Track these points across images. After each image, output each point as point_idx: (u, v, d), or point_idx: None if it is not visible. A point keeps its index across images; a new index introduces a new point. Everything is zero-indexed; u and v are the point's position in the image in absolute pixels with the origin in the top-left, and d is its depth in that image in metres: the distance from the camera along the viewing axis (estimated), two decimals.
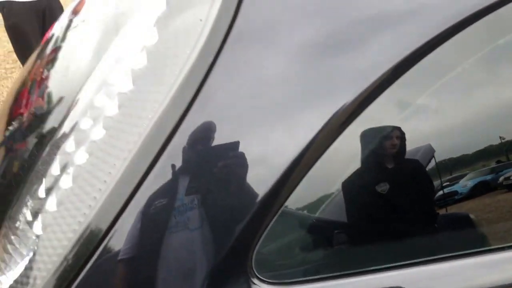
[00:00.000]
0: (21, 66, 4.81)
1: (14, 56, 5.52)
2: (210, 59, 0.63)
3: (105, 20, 0.87)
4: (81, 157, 0.64)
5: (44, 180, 0.66)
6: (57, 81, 0.92)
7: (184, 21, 0.67)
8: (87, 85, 0.71)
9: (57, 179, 0.64)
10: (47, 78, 1.07)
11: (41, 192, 0.66)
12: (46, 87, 1.04)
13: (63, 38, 1.13)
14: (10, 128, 1.10)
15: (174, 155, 0.61)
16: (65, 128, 0.70)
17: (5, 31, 6.51)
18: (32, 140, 0.82)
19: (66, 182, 0.63)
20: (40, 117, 0.92)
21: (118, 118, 0.64)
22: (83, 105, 0.70)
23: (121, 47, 0.70)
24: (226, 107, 0.64)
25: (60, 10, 3.44)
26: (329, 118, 0.60)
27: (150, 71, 0.65)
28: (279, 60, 0.65)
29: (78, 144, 0.65)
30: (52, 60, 1.12)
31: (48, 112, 0.85)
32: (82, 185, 0.62)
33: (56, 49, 1.09)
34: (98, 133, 0.64)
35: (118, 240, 0.61)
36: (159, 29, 0.67)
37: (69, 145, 0.66)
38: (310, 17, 0.68)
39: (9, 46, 5.95)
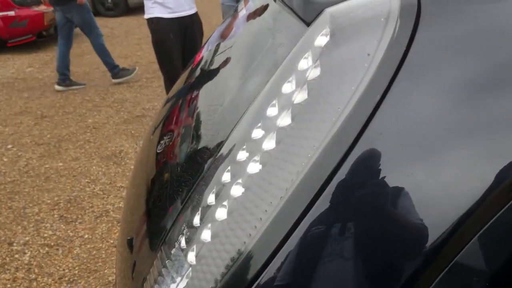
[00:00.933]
0: (160, 76, 5.24)
1: (154, 66, 6.04)
2: (378, 96, 0.59)
3: (260, 49, 0.88)
4: (237, 190, 0.64)
5: (200, 209, 0.68)
6: (208, 107, 0.94)
7: (350, 55, 0.63)
8: (245, 116, 0.71)
9: (212, 210, 0.65)
10: (196, 98, 1.12)
11: (196, 221, 0.67)
12: (196, 108, 1.09)
13: (212, 62, 1.18)
14: (162, 142, 1.17)
15: (335, 194, 0.58)
16: (221, 158, 0.70)
17: (148, 43, 7.11)
18: (187, 165, 0.85)
19: (221, 214, 0.64)
20: (195, 140, 0.95)
21: (276, 154, 0.62)
22: (239, 137, 0.70)
23: (280, 79, 0.69)
24: (391, 148, 0.59)
25: (200, 27, 3.67)
26: None
27: (310, 107, 0.62)
28: (449, 99, 0.59)
29: (234, 176, 0.65)
30: (202, 82, 1.18)
31: (202, 138, 0.87)
32: (237, 220, 0.62)
33: (207, 73, 1.13)
34: (254, 167, 0.63)
35: (270, 280, 0.59)
36: (323, 62, 0.64)
37: (225, 176, 0.67)
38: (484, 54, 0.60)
39: (150, 57, 6.53)
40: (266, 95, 0.69)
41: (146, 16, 3.45)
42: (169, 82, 3.62)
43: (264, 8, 1.07)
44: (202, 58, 1.27)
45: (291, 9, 0.79)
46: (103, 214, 2.93)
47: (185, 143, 0.95)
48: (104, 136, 4.05)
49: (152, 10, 3.40)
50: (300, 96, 0.65)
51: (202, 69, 1.18)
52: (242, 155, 0.67)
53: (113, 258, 2.55)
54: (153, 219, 0.96)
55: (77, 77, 5.73)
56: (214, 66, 1.12)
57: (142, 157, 1.32)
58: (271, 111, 0.67)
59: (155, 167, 1.15)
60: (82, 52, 6.96)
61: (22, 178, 3.40)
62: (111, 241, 2.69)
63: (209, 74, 1.08)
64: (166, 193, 0.86)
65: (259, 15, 1.06)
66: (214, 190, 0.67)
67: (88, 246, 2.64)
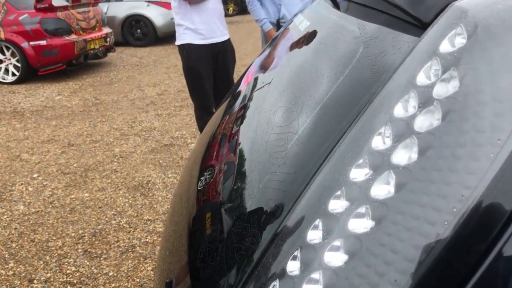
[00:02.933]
0: (189, 104, 5.13)
1: (183, 95, 5.96)
2: None
3: (347, 61, 0.69)
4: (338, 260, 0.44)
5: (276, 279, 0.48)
6: (278, 135, 0.75)
7: (504, 62, 0.43)
8: (338, 150, 0.51)
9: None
10: (238, 133, 0.95)
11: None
12: (238, 143, 0.91)
13: (253, 95, 1.01)
14: (202, 178, 1.00)
15: None
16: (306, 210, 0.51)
17: (176, 71, 7.11)
18: (251, 215, 0.65)
19: None
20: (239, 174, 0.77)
21: (398, 206, 0.43)
22: (330, 178, 0.50)
23: (390, 98, 0.50)
24: None
25: (232, 54, 3.54)
26: None
27: (449, 137, 0.43)
28: None
29: (326, 237, 0.46)
30: (243, 116, 1.00)
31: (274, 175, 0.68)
32: None
33: (248, 107, 0.96)
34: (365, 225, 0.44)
35: None
36: (459, 74, 0.45)
37: (313, 235, 0.47)
38: None
39: (179, 85, 6.47)
40: (369, 119, 0.50)
41: (178, 42, 3.34)
42: (200, 110, 3.48)
43: (333, 17, 0.89)
44: (258, 78, 1.09)
45: (397, 7, 0.60)
46: (129, 250, 2.75)
47: (240, 182, 0.76)
48: (131, 165, 3.91)
49: (184, 36, 3.29)
50: (427, 122, 0.45)
51: (261, 91, 1.01)
52: (336, 207, 0.47)
53: None
54: (201, 267, 0.76)
55: (106, 105, 5.68)
56: (279, 86, 0.93)
57: (181, 192, 1.14)
58: (378, 143, 0.48)
59: (196, 205, 0.97)
60: (110, 81, 6.96)
61: (46, 209, 3.26)
62: (137, 280, 2.50)
63: (276, 96, 0.90)
64: (219, 245, 0.67)
65: (327, 26, 0.89)
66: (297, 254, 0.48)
67: (113, 285, 2.45)
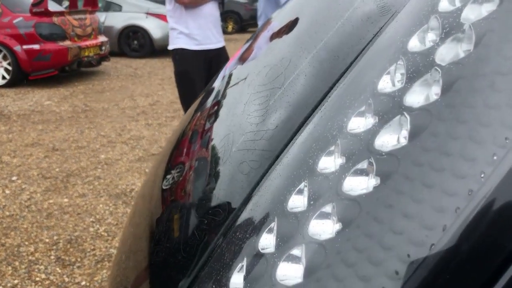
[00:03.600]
0: (181, 115, 5.01)
1: (175, 106, 5.85)
2: None
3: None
4: None
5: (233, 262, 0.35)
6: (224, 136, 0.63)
7: None
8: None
9: None
10: (210, 130, 0.83)
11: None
12: (210, 139, 0.79)
13: (226, 92, 0.89)
14: (168, 176, 0.88)
15: None
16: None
17: (170, 83, 7.02)
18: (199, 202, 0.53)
19: None
20: (209, 171, 0.65)
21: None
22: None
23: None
24: None
25: (226, 61, 3.44)
26: None
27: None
28: None
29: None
30: (216, 112, 0.88)
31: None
32: None
33: (219, 103, 0.84)
34: None
35: None
36: None
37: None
38: None
39: (172, 97, 6.36)
40: (376, 56, 0.38)
41: (171, 46, 3.24)
42: None
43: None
44: (213, 88, 0.98)
45: None
46: (105, 259, 2.59)
47: (196, 172, 0.63)
48: (116, 173, 3.76)
49: (177, 41, 3.19)
50: (452, 52, 0.34)
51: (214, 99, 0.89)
52: (329, 165, 0.35)
53: None
54: (157, 269, 0.63)
55: (95, 113, 5.55)
56: (263, 57, 0.81)
57: (144, 192, 1.02)
58: (386, 83, 0.36)
59: (161, 205, 0.84)
60: (102, 89, 6.84)
61: (22, 212, 3.10)
62: None
63: (259, 61, 0.78)
64: (183, 244, 0.54)
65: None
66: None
67: None
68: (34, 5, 6.65)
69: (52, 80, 7.08)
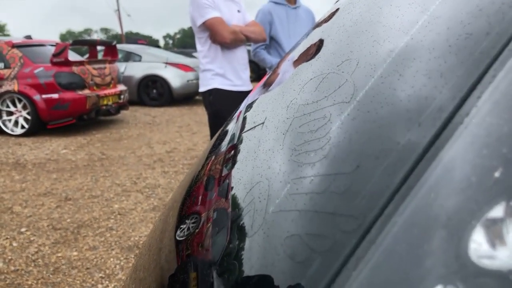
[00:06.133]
0: None
1: (193, 153, 5.71)
2: None
3: None
4: None
5: None
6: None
7: None
8: None
9: None
10: (228, 177, 0.64)
11: None
12: (229, 188, 0.60)
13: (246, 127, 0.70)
14: (183, 226, 0.68)
15: None
16: None
17: (188, 130, 6.93)
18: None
19: None
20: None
21: None
22: None
23: None
24: None
25: None
26: None
27: None
28: None
29: None
30: (235, 153, 0.69)
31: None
32: None
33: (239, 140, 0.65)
34: None
35: None
36: None
37: None
38: None
39: (189, 144, 6.23)
40: None
41: (203, 88, 3.11)
42: None
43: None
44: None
45: None
46: None
47: (213, 223, 0.43)
48: (129, 223, 3.55)
49: (211, 82, 3.07)
50: None
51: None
52: None
53: None
54: None
55: (111, 160, 5.43)
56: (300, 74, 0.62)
57: (151, 243, 0.82)
58: None
59: (176, 259, 0.64)
60: (120, 137, 6.77)
61: (28, 267, 2.89)
62: None
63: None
64: None
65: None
66: None
67: None
68: (55, 55, 6.73)
69: (71, 129, 7.06)
